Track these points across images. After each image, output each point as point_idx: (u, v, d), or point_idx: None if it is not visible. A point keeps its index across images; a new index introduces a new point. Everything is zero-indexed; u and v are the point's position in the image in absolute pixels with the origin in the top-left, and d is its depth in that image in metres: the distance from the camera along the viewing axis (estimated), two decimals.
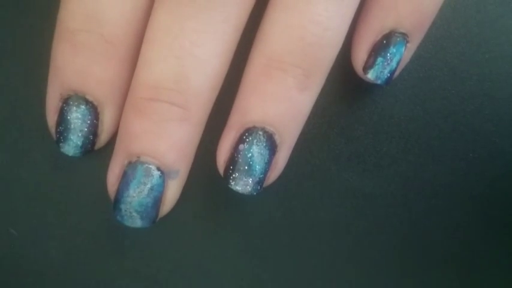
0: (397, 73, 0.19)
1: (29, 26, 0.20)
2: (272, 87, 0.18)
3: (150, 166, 0.18)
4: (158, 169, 0.18)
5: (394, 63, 0.19)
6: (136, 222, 0.19)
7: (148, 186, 0.18)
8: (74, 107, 0.18)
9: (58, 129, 0.19)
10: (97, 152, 0.20)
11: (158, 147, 0.18)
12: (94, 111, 0.19)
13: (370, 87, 0.20)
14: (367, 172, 0.21)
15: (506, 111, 0.21)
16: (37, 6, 0.20)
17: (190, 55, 0.17)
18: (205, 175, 0.21)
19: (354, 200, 0.21)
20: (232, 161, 0.18)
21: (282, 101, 0.18)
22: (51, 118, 0.19)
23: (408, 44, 0.19)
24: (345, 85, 0.21)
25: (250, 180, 0.18)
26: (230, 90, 0.19)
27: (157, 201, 0.19)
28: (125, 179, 0.18)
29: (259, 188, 0.19)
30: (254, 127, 0.18)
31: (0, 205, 0.21)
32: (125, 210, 0.18)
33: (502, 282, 0.22)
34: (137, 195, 0.18)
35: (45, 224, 0.21)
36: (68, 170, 0.21)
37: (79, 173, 0.21)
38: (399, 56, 0.19)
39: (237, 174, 0.18)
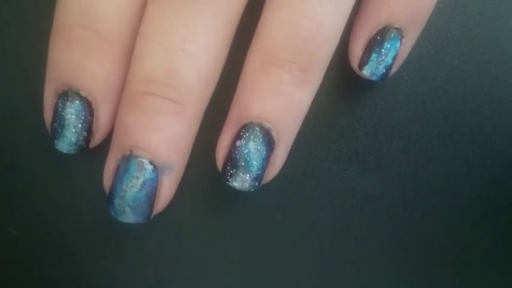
0: (394, 69, 0.19)
1: (29, 24, 0.20)
2: (268, 83, 0.18)
3: (143, 160, 0.18)
4: (151, 163, 0.18)
5: (389, 59, 0.19)
6: (130, 217, 0.19)
7: (141, 180, 0.18)
8: (68, 103, 0.18)
9: (53, 126, 0.19)
10: (97, 151, 0.19)
11: (151, 140, 0.18)
12: (88, 107, 0.18)
13: (370, 86, 0.20)
14: (367, 172, 0.21)
15: (506, 111, 0.21)
16: (36, 5, 0.20)
17: (181, 50, 0.17)
18: (206, 174, 0.21)
19: (354, 200, 0.21)
20: (230, 157, 0.18)
21: (278, 97, 0.18)
22: (48, 114, 0.19)
23: (403, 40, 0.19)
24: (345, 85, 0.21)
25: (247, 177, 0.18)
26: (230, 88, 0.19)
27: (151, 197, 0.19)
28: (118, 173, 0.18)
29: (257, 184, 0.19)
30: (251, 123, 0.18)
31: (0, 205, 0.21)
32: (118, 205, 0.18)
33: (502, 282, 0.22)
34: (129, 189, 0.18)
35: (45, 224, 0.21)
36: (68, 169, 0.21)
37: (79, 172, 0.21)
38: (394, 52, 0.19)
39: (234, 170, 0.18)
